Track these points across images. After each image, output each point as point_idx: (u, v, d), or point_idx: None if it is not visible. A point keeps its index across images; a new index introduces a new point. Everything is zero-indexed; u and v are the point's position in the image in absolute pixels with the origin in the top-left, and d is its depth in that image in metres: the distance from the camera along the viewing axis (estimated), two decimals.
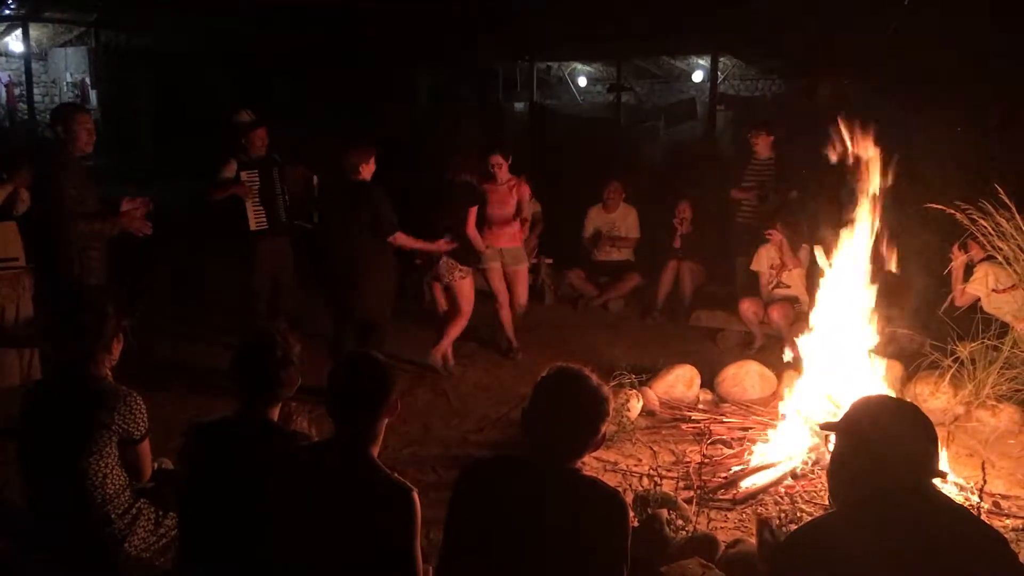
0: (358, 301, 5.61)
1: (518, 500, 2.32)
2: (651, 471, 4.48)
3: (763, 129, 7.67)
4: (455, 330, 6.23)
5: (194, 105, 12.58)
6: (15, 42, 14.34)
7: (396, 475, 2.47)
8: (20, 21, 13.84)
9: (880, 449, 1.97)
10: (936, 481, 2.02)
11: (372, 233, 5.48)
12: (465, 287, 6.13)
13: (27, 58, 14.01)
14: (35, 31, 15.04)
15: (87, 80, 16.82)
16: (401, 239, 5.60)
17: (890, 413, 2.04)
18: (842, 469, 2.05)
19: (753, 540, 3.62)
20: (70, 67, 17.30)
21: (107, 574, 3.02)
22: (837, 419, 2.13)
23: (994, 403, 5.22)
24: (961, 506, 2.31)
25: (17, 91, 15.79)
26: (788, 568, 2.04)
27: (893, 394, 4.66)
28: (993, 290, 5.66)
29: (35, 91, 14.97)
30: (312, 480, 2.48)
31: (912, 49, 8.94)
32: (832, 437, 2.17)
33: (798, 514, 4.01)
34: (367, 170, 5.54)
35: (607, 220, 8.31)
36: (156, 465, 3.37)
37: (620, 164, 10.76)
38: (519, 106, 17.83)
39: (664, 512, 3.78)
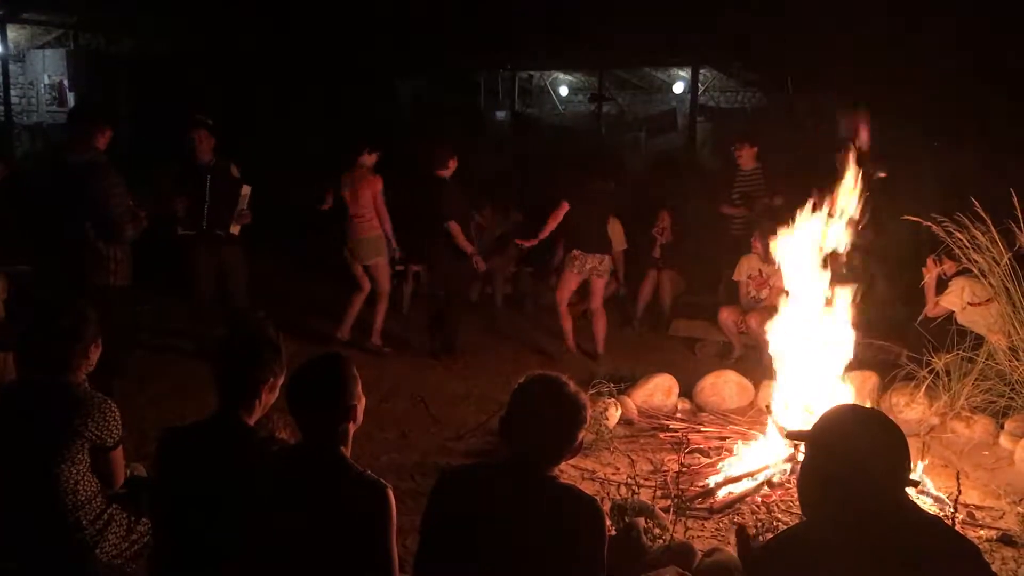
0: (436, 276, 7.09)
1: (494, 507, 2.31)
2: (629, 480, 4.48)
3: (745, 141, 7.72)
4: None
5: (175, 109, 12.48)
6: None
7: (369, 472, 2.44)
8: None
9: (850, 459, 1.96)
10: (910, 491, 2.03)
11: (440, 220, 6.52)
12: None
13: (4, 59, 13.86)
14: (12, 32, 14.90)
15: (65, 82, 16.66)
16: (454, 228, 6.54)
17: (859, 423, 2.03)
18: (812, 480, 2.04)
19: (730, 549, 3.63)
20: (48, 69, 17.12)
21: None
22: (805, 428, 2.12)
23: (969, 414, 5.27)
24: (935, 516, 2.33)
25: None
26: None
27: (867, 404, 4.69)
28: (969, 303, 5.70)
29: (12, 93, 14.81)
30: (286, 482, 2.45)
31: (887, 64, 9.06)
32: (802, 447, 2.17)
33: (774, 523, 4.02)
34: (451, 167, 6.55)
35: None
36: (129, 472, 3.32)
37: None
38: (500, 115, 17.85)
39: (641, 521, 3.78)
